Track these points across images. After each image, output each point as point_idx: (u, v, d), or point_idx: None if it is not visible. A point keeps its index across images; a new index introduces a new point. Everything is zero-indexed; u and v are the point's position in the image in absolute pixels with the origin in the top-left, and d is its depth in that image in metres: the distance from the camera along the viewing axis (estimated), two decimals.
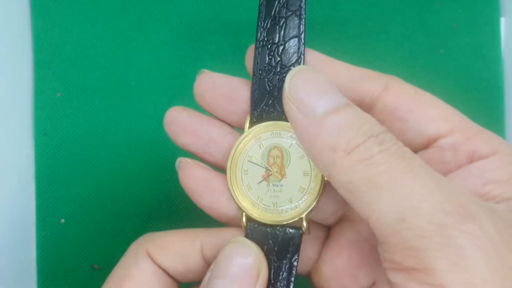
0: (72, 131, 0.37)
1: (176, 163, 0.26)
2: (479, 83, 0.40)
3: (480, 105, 0.40)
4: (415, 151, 0.23)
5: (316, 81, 0.21)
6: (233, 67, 0.39)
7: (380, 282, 0.19)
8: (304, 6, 0.24)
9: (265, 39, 0.24)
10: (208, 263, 0.24)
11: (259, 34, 0.24)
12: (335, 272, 0.24)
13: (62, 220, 0.37)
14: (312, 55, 0.24)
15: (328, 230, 0.26)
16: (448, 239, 0.17)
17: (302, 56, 0.24)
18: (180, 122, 0.25)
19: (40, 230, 0.37)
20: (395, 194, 0.18)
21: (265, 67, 0.24)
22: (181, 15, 0.39)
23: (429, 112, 0.23)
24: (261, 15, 0.24)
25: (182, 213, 0.38)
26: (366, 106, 0.24)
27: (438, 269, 0.17)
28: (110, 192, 0.37)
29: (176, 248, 0.24)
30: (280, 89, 0.24)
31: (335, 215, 0.26)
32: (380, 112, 0.24)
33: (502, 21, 0.41)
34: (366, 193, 0.19)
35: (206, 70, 0.25)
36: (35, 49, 0.37)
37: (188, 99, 0.38)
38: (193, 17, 0.39)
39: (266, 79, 0.24)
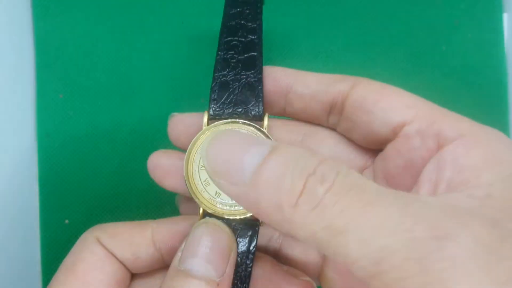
0: (75, 132, 0.37)
1: (176, 200, 0.28)
2: (482, 79, 0.40)
3: (483, 101, 0.40)
4: (384, 142, 0.24)
5: (232, 142, 0.19)
6: None
7: None
8: (260, 27, 0.26)
9: (226, 50, 0.26)
10: (159, 251, 0.25)
11: (220, 47, 0.26)
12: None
13: (66, 221, 0.37)
14: (283, 72, 0.26)
15: None
16: (430, 274, 0.15)
17: (260, 69, 0.25)
18: (162, 167, 0.27)
19: (44, 231, 0.37)
20: (360, 236, 0.16)
21: (225, 69, 0.26)
22: (182, 15, 0.39)
23: (393, 101, 0.23)
24: (223, 34, 0.26)
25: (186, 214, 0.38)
26: (339, 107, 0.25)
27: None
28: (114, 193, 0.37)
29: (126, 236, 0.24)
30: (241, 88, 0.25)
31: None
32: (349, 108, 0.24)
33: (505, 17, 0.41)
34: (333, 243, 0.17)
35: (175, 114, 0.27)
36: (36, 50, 0.37)
37: (189, 99, 0.38)
38: (194, 17, 0.39)
39: (226, 79, 0.25)
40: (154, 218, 0.37)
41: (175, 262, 0.22)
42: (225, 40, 0.26)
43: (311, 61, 0.40)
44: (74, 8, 0.38)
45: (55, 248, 0.37)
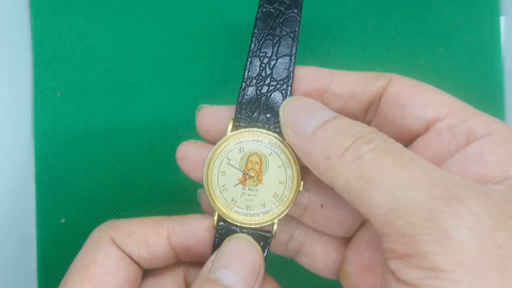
0: (72, 131, 0.37)
1: (197, 194, 0.28)
2: (479, 82, 0.40)
3: (480, 104, 0.39)
4: (413, 138, 0.24)
5: (305, 105, 0.23)
6: (232, 67, 0.39)
7: (385, 273, 0.20)
8: (298, 30, 0.26)
9: (259, 50, 0.25)
10: (174, 249, 0.25)
11: (253, 45, 0.26)
12: (359, 270, 0.25)
13: (63, 220, 0.37)
14: (319, 72, 0.26)
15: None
16: (435, 223, 0.18)
17: (291, 74, 0.25)
18: (191, 158, 0.26)
19: (40, 230, 0.37)
20: (386, 187, 0.19)
21: (256, 76, 0.25)
22: (180, 14, 0.39)
23: (427, 97, 0.24)
24: (257, 28, 0.26)
25: (182, 213, 0.38)
26: (377, 105, 0.25)
27: (427, 252, 0.18)
28: (110, 192, 0.37)
29: (141, 235, 0.24)
30: (268, 98, 0.25)
31: (356, 224, 0.27)
32: (384, 103, 0.25)
33: (502, 20, 0.41)
34: (362, 191, 0.20)
35: (204, 105, 0.27)
36: (34, 49, 0.37)
37: (187, 99, 0.38)
38: (192, 16, 0.39)
39: (255, 87, 0.25)
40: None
41: (204, 272, 0.23)
42: (259, 33, 0.26)
43: (308, 62, 0.40)
44: (72, 7, 0.38)
45: (51, 247, 0.37)
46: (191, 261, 0.26)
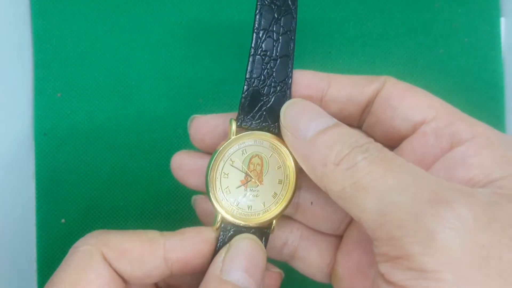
0: (72, 131, 0.37)
1: (192, 200, 0.29)
2: (479, 83, 0.40)
3: (480, 105, 0.40)
4: (402, 139, 0.25)
5: (306, 110, 0.24)
6: (233, 67, 0.39)
7: (376, 277, 0.21)
8: (295, 28, 0.26)
9: (260, 49, 0.25)
10: (170, 267, 0.24)
11: (254, 43, 0.25)
12: (350, 272, 0.26)
13: (63, 220, 0.37)
14: (317, 76, 0.26)
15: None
16: (421, 225, 0.19)
17: (291, 75, 0.25)
18: (186, 167, 0.27)
19: (40, 230, 0.37)
20: (377, 192, 0.20)
21: (258, 76, 0.25)
22: (180, 15, 0.39)
23: (417, 100, 0.24)
24: (257, 24, 0.25)
25: (182, 213, 0.38)
26: (371, 105, 0.26)
27: (414, 253, 0.18)
28: (110, 192, 0.37)
29: (136, 254, 0.23)
30: (270, 100, 0.25)
31: (345, 222, 0.27)
32: (377, 104, 0.25)
33: (502, 21, 0.41)
34: (355, 197, 0.21)
35: (196, 115, 0.27)
36: (35, 49, 0.37)
37: (187, 99, 0.38)
38: (192, 17, 0.39)
39: (257, 88, 0.25)
40: (151, 217, 0.37)
41: (216, 271, 0.23)
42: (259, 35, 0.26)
43: (309, 63, 0.40)
44: (73, 7, 0.38)
45: (52, 247, 0.37)
46: (184, 274, 0.26)
